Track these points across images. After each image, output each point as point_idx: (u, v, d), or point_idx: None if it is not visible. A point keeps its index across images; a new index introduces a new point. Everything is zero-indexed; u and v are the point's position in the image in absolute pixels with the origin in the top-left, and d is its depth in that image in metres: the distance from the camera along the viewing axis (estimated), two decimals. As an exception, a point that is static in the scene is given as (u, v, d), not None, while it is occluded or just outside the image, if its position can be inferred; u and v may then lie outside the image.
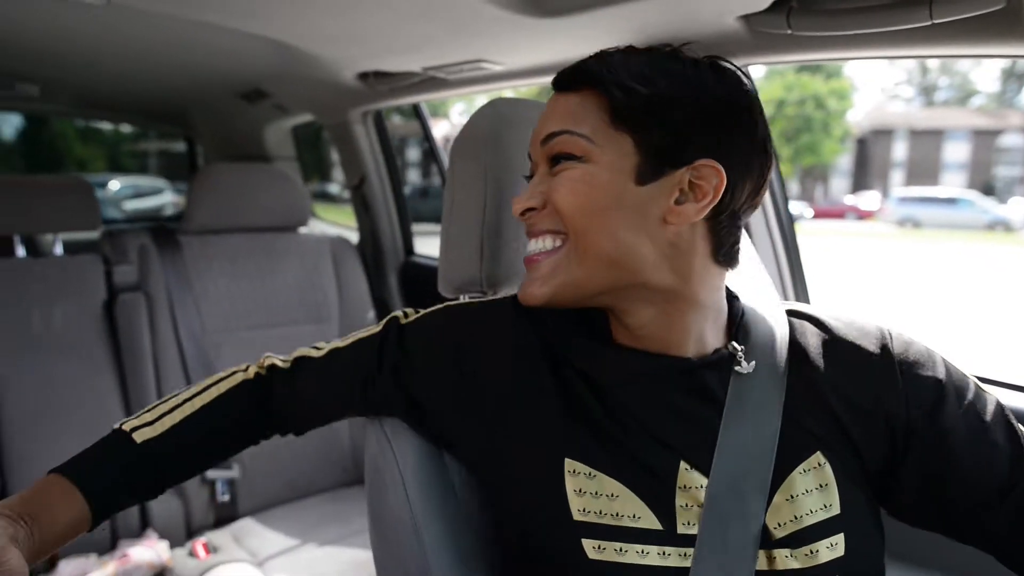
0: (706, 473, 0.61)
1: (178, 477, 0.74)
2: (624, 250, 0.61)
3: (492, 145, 0.86)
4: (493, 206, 0.86)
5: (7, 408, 1.55)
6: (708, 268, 0.64)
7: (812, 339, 0.68)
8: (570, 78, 0.64)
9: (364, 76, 1.65)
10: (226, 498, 1.76)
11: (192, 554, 1.62)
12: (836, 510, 0.61)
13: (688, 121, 0.60)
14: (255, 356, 1.89)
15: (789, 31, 0.91)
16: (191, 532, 1.73)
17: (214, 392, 0.76)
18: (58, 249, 1.82)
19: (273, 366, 0.80)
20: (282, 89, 1.99)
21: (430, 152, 1.97)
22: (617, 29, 1.08)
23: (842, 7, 0.87)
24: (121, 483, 0.68)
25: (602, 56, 0.63)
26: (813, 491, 0.61)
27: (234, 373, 0.79)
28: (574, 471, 0.62)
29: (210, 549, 1.64)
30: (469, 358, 0.71)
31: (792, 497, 0.61)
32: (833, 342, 0.67)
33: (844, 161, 23.70)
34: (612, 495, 0.61)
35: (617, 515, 0.60)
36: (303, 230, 2.04)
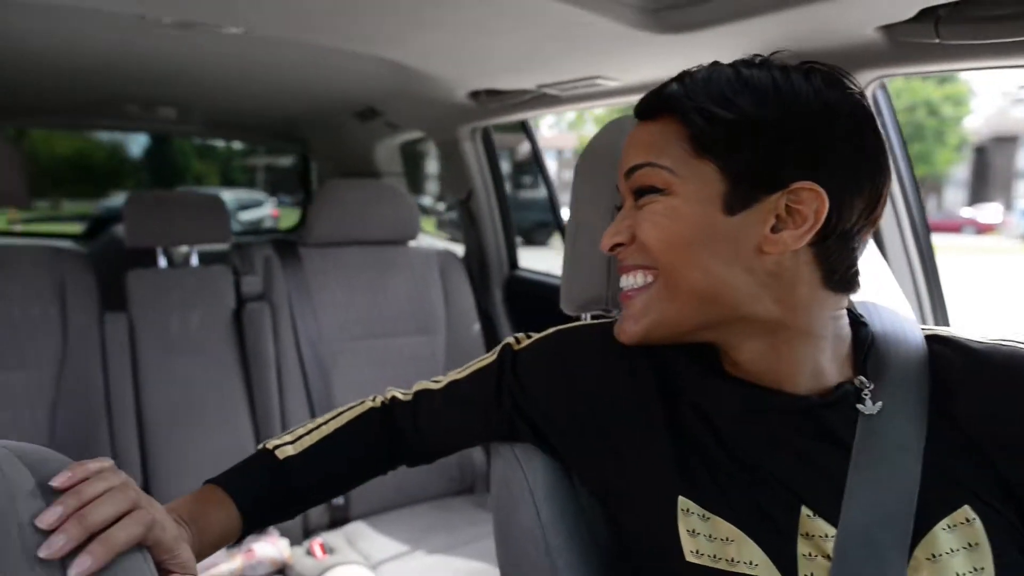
0: (833, 522, 0.56)
1: (314, 497, 0.76)
2: (717, 284, 0.58)
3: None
4: None
5: (150, 404, 1.68)
6: (818, 296, 0.59)
7: (957, 368, 0.60)
8: (650, 105, 0.61)
9: (476, 94, 1.69)
10: (340, 501, 1.84)
11: (309, 553, 1.70)
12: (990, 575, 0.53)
13: (779, 141, 0.55)
14: (368, 365, 1.97)
15: (937, 40, 0.86)
16: (307, 532, 1.81)
17: (346, 417, 0.78)
18: (194, 260, 1.96)
19: (394, 399, 0.81)
20: (394, 108, 2.07)
21: (519, 166, 1.99)
22: (740, 45, 1.06)
23: (994, 14, 0.82)
24: (267, 499, 0.72)
25: (682, 78, 0.60)
26: (959, 551, 0.53)
27: (362, 402, 0.81)
28: (687, 510, 0.60)
29: (326, 549, 1.71)
30: (583, 385, 0.70)
31: (934, 557, 0.53)
32: (981, 371, 0.59)
33: (960, 171, 22.16)
34: (727, 539, 0.57)
35: (732, 561, 0.57)
36: (412, 243, 2.11)
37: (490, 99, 1.66)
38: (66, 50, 1.51)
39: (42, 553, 0.44)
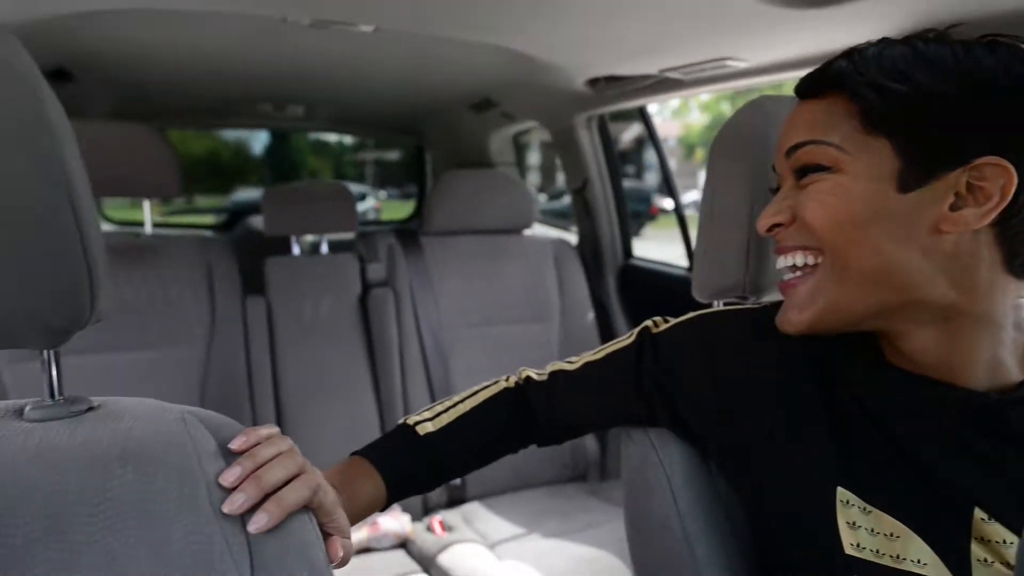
0: (1014, 528, 0.53)
1: (451, 472, 0.79)
2: (891, 265, 0.55)
3: (759, 145, 0.83)
4: (761, 208, 0.83)
5: (286, 381, 1.80)
6: (1000, 280, 0.55)
7: None
8: (814, 83, 0.58)
9: (594, 81, 1.68)
10: (458, 482, 1.90)
11: (429, 529, 1.76)
12: None
13: (960, 116, 0.52)
14: (485, 351, 2.02)
15: None
16: (427, 509, 1.88)
17: (481, 396, 0.81)
18: (323, 248, 2.08)
19: (529, 379, 0.82)
20: (510, 98, 2.10)
21: (620, 155, 1.96)
22: (887, 17, 1.00)
23: None
24: (409, 471, 0.75)
25: (850, 54, 0.57)
26: None
27: (497, 382, 0.83)
28: (847, 502, 0.57)
29: (445, 527, 1.77)
30: (731, 370, 0.68)
31: None
32: None
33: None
34: (892, 535, 0.55)
35: (898, 557, 0.54)
36: (527, 232, 2.14)
37: (609, 86, 1.65)
38: (210, 54, 1.63)
39: (225, 508, 0.49)
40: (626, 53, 1.41)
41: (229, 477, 0.50)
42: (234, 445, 0.53)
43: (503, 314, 2.01)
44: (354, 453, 0.76)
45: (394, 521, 1.72)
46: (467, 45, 1.51)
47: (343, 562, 0.59)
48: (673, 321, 0.78)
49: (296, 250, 2.05)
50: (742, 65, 1.32)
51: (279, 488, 0.53)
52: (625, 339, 0.80)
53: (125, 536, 0.45)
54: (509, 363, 2.01)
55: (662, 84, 1.54)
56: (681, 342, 0.74)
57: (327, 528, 0.59)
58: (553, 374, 0.82)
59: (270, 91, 2.11)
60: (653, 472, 0.77)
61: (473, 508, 1.88)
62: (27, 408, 0.49)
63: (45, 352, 0.50)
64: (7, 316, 0.43)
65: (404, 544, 1.75)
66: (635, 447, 0.80)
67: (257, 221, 2.96)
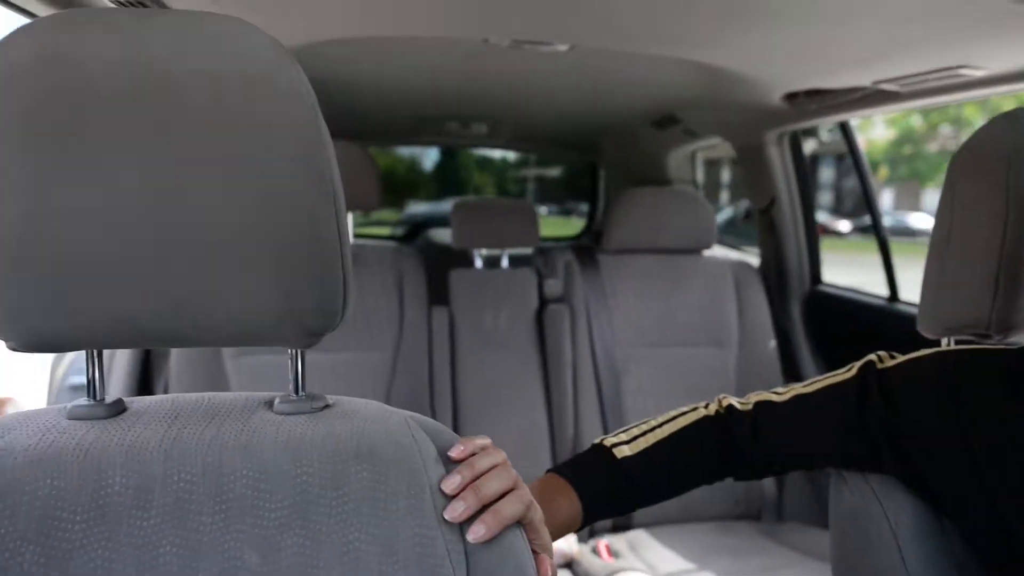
0: None
1: (646, 498, 0.77)
2: None
3: (1016, 163, 0.73)
4: (1017, 234, 0.73)
5: (464, 389, 1.87)
6: None
7: None
8: None
9: (792, 95, 1.59)
10: (625, 506, 1.86)
11: (595, 552, 1.74)
12: None
13: None
14: (658, 373, 1.96)
15: None
16: (592, 532, 1.86)
17: (680, 422, 0.78)
18: (504, 262, 2.14)
19: (731, 408, 0.79)
20: (695, 115, 2.04)
21: (859, 173, 1.82)
22: None
23: None
24: (605, 494, 0.74)
25: None
26: None
27: (696, 408, 0.80)
28: None
29: (611, 552, 1.73)
30: (981, 425, 0.61)
31: None
32: None
33: None
34: None
35: None
36: (706, 252, 2.06)
37: (809, 100, 1.55)
38: (412, 75, 1.74)
39: (447, 515, 0.50)
40: (835, 64, 1.32)
41: (450, 485, 0.51)
42: (453, 453, 0.54)
43: (678, 336, 1.95)
44: (550, 470, 0.76)
45: (562, 540, 1.71)
46: (657, 60, 1.49)
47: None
48: (902, 358, 0.71)
49: (479, 263, 2.13)
50: (979, 74, 1.18)
51: (495, 500, 0.54)
52: (843, 373, 0.74)
53: (359, 530, 0.47)
54: (682, 386, 1.96)
55: (873, 97, 1.42)
56: (918, 383, 0.67)
57: (534, 545, 0.58)
58: (759, 405, 0.78)
59: (458, 110, 2.22)
60: (875, 524, 0.70)
61: (639, 536, 1.83)
62: (276, 401, 0.53)
63: (292, 350, 0.53)
64: (274, 316, 0.47)
65: (570, 564, 1.74)
66: (850, 493, 0.73)
67: (435, 233, 3.12)
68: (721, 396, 0.82)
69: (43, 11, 1.04)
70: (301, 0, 1.11)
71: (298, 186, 0.45)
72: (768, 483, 1.95)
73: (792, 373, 2.00)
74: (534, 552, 0.59)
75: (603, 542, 1.76)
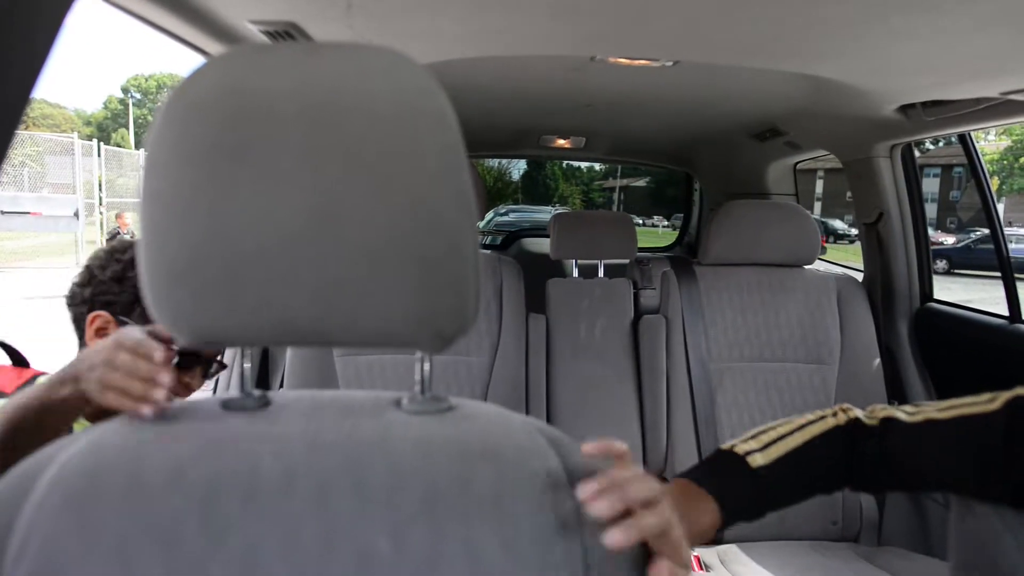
0: None
1: (777, 505, 0.77)
2: None
3: None
4: None
5: (558, 396, 1.90)
6: None
7: None
8: None
9: (908, 107, 1.54)
10: (717, 520, 1.84)
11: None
12: None
13: None
14: (754, 388, 1.93)
15: None
16: (683, 544, 1.85)
17: (812, 431, 0.78)
18: (600, 272, 2.16)
19: (857, 421, 0.78)
20: (799, 127, 2.00)
21: (980, 187, 1.74)
22: None
23: None
24: (742, 501, 0.74)
25: None
26: None
27: (823, 418, 0.80)
28: None
29: (702, 565, 1.72)
30: None
31: None
32: None
33: None
34: None
35: None
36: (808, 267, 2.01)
37: (927, 111, 1.50)
38: (520, 91, 1.79)
39: (590, 509, 0.50)
40: (958, 75, 1.28)
41: (588, 489, 0.50)
42: (587, 448, 0.54)
43: (776, 351, 1.91)
44: (680, 476, 0.76)
45: (653, 549, 1.71)
46: (761, 72, 1.48)
47: None
48: None
49: (575, 272, 2.16)
50: None
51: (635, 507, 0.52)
52: (984, 403, 0.72)
53: (482, 527, 0.48)
54: (779, 403, 1.92)
55: (999, 108, 1.36)
56: None
57: (673, 562, 0.55)
58: (886, 421, 0.77)
59: (559, 123, 2.26)
60: (1007, 557, 0.68)
61: (731, 550, 1.80)
62: (404, 401, 0.56)
63: (420, 354, 0.55)
64: (413, 321, 0.50)
65: None
66: (976, 521, 0.71)
67: (529, 243, 3.17)
68: (843, 406, 0.81)
69: (213, 49, 1.16)
70: (426, 24, 1.18)
71: (441, 202, 0.48)
72: (868, 504, 1.88)
73: (898, 394, 1.92)
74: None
75: (694, 554, 1.74)
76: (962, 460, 0.70)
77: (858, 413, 0.79)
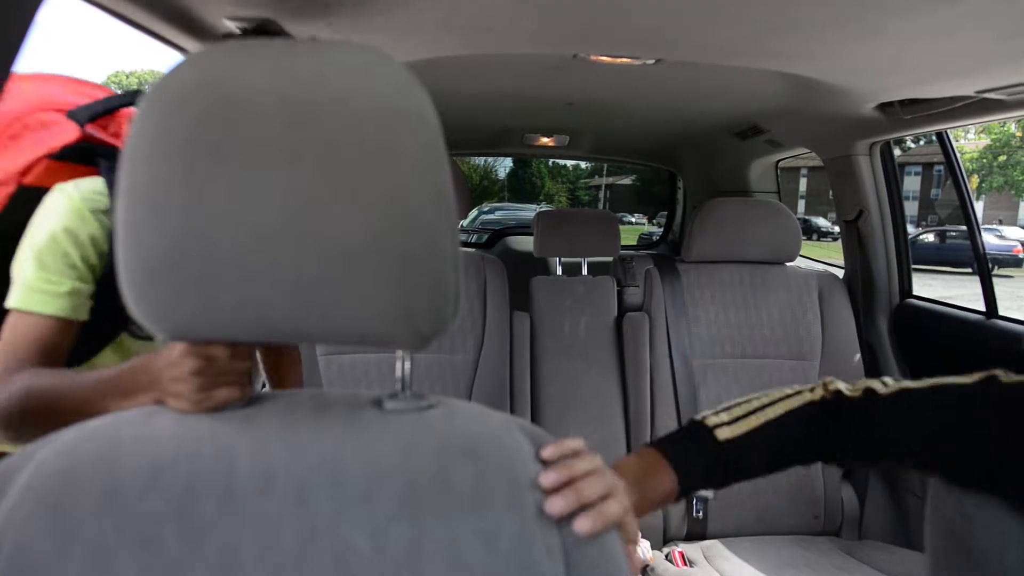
0: None
1: (742, 476, 0.79)
2: None
3: None
4: None
5: (542, 394, 1.91)
6: None
7: None
8: None
9: (886, 105, 1.56)
10: (699, 516, 1.85)
11: (670, 559, 1.74)
12: None
13: None
14: (737, 384, 1.95)
15: None
16: (666, 539, 1.86)
17: (784, 405, 0.79)
18: (583, 270, 2.17)
19: (839, 392, 0.79)
20: (780, 125, 2.02)
21: (957, 185, 1.76)
22: None
23: None
24: (700, 469, 0.75)
25: None
26: None
27: (800, 392, 0.81)
28: None
29: (686, 560, 1.73)
30: None
31: None
32: None
33: None
34: None
35: None
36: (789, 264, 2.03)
37: (904, 110, 1.51)
38: (502, 90, 1.79)
39: (547, 508, 0.51)
40: (935, 73, 1.29)
41: (548, 479, 0.53)
42: (546, 453, 0.55)
43: (759, 348, 1.93)
44: (647, 445, 0.77)
45: (637, 547, 1.72)
46: (742, 72, 1.49)
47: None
48: None
49: (559, 270, 2.16)
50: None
51: (594, 502, 0.54)
52: (959, 378, 0.73)
53: (462, 525, 0.49)
54: (763, 399, 1.93)
55: (975, 106, 1.38)
56: None
57: (627, 540, 0.59)
58: (868, 391, 0.78)
59: (542, 122, 2.26)
60: (979, 546, 0.69)
61: (714, 546, 1.81)
62: (384, 399, 0.56)
63: (401, 352, 0.56)
64: (391, 319, 0.50)
65: (644, 570, 1.74)
66: (951, 511, 0.72)
67: (514, 241, 3.17)
68: (828, 379, 0.82)
69: (191, 46, 1.15)
70: (406, 22, 1.17)
71: (420, 200, 0.48)
72: (849, 498, 1.90)
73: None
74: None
75: (677, 550, 1.76)
76: (939, 428, 0.71)
77: (841, 385, 0.80)
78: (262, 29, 1.06)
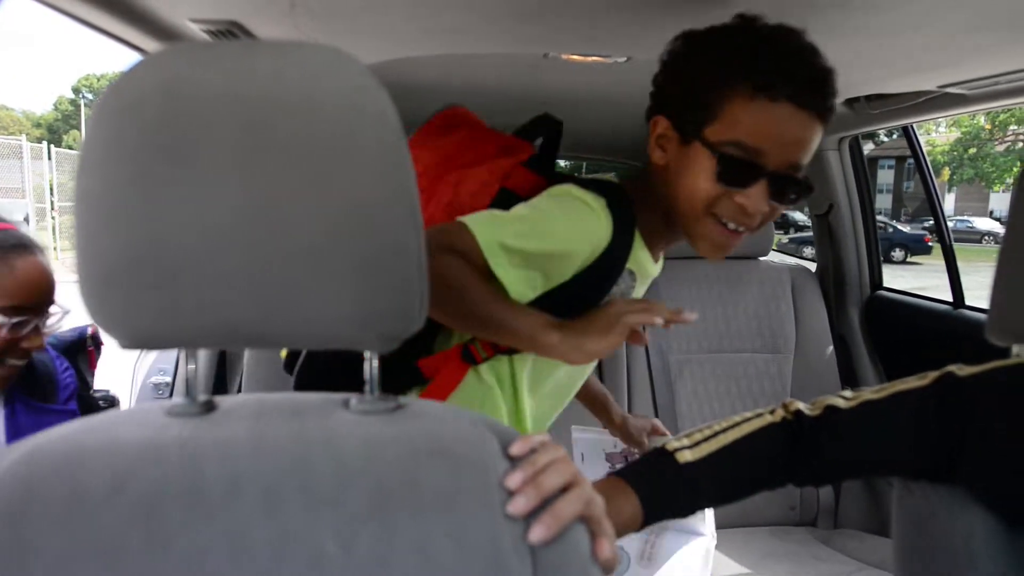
0: None
1: (709, 501, 0.79)
2: None
3: None
4: None
5: None
6: None
7: None
8: None
9: (852, 101, 1.58)
10: (681, 510, 1.87)
11: (651, 554, 1.75)
12: None
13: None
14: (713, 379, 1.96)
15: None
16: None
17: (745, 428, 0.79)
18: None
19: (800, 413, 0.79)
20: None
21: (923, 177, 1.79)
22: None
23: None
24: (667, 498, 0.75)
25: None
26: None
27: (760, 415, 0.81)
28: None
29: (666, 554, 1.75)
30: None
31: None
32: None
33: None
34: None
35: None
36: (763, 258, 2.06)
37: (870, 105, 1.54)
38: (475, 89, 1.79)
39: (509, 509, 0.51)
40: (899, 69, 1.31)
41: (513, 480, 0.52)
42: (513, 450, 0.55)
43: (734, 342, 1.95)
44: (611, 474, 0.77)
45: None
46: None
47: (611, 568, 0.59)
48: (979, 368, 0.70)
49: None
50: (1052, 77, 1.17)
51: (556, 495, 0.54)
52: (916, 380, 0.74)
53: (432, 525, 0.48)
54: (737, 393, 1.95)
55: (939, 101, 1.41)
56: (998, 394, 0.67)
57: (596, 532, 0.58)
58: (827, 409, 0.78)
59: (517, 121, 2.25)
60: (942, 533, 0.70)
61: (695, 539, 1.83)
62: (352, 401, 0.55)
63: (368, 353, 0.55)
64: (355, 320, 0.50)
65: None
66: (916, 501, 0.73)
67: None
68: (788, 401, 0.82)
69: (153, 49, 1.13)
70: (372, 23, 1.16)
71: (383, 202, 0.48)
72: (825, 489, 1.93)
73: (851, 379, 1.98)
74: (593, 535, 0.57)
75: (658, 545, 1.77)
76: (898, 440, 0.72)
77: (800, 406, 0.80)
78: (227, 32, 1.05)
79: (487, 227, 0.84)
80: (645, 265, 1.00)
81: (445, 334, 0.96)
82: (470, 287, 0.83)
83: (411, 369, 0.95)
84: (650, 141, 0.89)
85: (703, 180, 0.85)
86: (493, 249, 0.84)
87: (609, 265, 0.92)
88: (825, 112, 0.82)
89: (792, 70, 0.81)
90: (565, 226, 0.87)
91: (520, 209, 0.88)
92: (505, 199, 0.93)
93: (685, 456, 0.77)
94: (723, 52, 0.82)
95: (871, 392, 0.77)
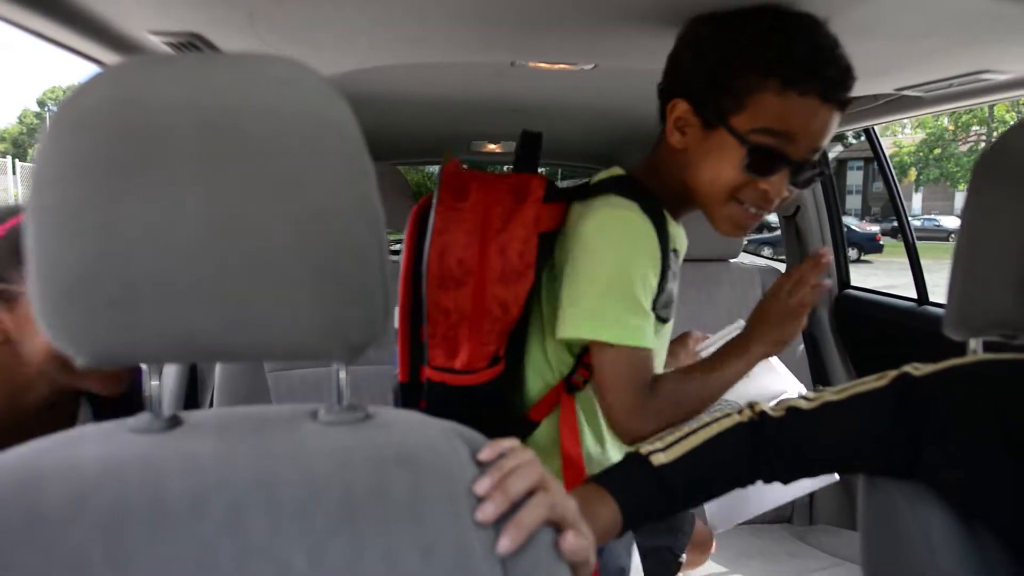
0: None
1: (685, 502, 0.80)
2: None
3: None
4: None
5: None
6: None
7: None
8: None
9: (815, 104, 1.61)
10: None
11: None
12: None
13: None
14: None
15: None
16: (625, 536, 1.88)
17: (715, 429, 0.80)
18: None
19: (764, 414, 0.81)
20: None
21: (885, 177, 1.83)
22: None
23: None
24: (644, 500, 0.76)
25: None
26: None
27: (729, 415, 0.82)
28: None
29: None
30: (1014, 428, 0.63)
31: None
32: None
33: None
34: None
35: None
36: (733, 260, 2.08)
37: (831, 108, 1.57)
38: (442, 98, 1.79)
39: (478, 516, 0.51)
40: (857, 72, 1.34)
41: (481, 486, 0.52)
42: (482, 456, 0.55)
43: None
44: (588, 480, 0.78)
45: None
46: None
47: (581, 558, 0.57)
48: (937, 366, 0.72)
49: None
50: (1002, 78, 1.20)
51: (525, 499, 0.53)
52: (874, 381, 0.75)
53: (401, 535, 0.48)
54: (713, 394, 1.97)
55: (896, 103, 1.44)
56: (955, 392, 0.69)
57: (572, 530, 0.56)
58: (790, 411, 0.80)
59: (486, 128, 2.26)
60: (905, 528, 0.71)
61: (673, 540, 1.84)
62: (320, 412, 0.55)
63: (336, 364, 0.54)
64: (319, 331, 0.49)
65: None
66: (880, 497, 0.75)
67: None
68: (753, 402, 0.84)
69: (111, 60, 1.12)
70: (336, 34, 1.16)
71: (344, 212, 0.48)
72: (799, 487, 1.96)
73: (821, 377, 2.01)
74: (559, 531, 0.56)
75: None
76: (858, 439, 0.74)
77: (764, 407, 0.82)
78: (188, 44, 1.04)
79: (621, 331, 0.90)
80: (679, 239, 1.09)
81: (533, 381, 1.02)
82: (691, 393, 0.94)
83: (521, 422, 1.00)
84: (667, 123, 0.91)
85: (729, 168, 0.87)
86: (637, 336, 0.91)
87: (664, 256, 0.98)
88: (846, 103, 0.87)
89: (822, 67, 0.83)
90: (630, 256, 0.94)
91: (599, 282, 0.93)
92: (546, 243, 0.98)
93: (659, 458, 0.78)
94: (753, 43, 0.83)
95: (832, 393, 0.78)
